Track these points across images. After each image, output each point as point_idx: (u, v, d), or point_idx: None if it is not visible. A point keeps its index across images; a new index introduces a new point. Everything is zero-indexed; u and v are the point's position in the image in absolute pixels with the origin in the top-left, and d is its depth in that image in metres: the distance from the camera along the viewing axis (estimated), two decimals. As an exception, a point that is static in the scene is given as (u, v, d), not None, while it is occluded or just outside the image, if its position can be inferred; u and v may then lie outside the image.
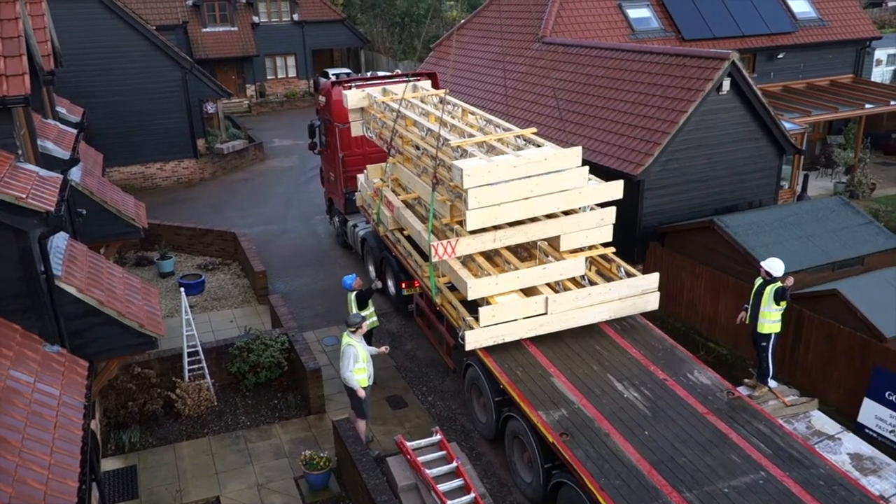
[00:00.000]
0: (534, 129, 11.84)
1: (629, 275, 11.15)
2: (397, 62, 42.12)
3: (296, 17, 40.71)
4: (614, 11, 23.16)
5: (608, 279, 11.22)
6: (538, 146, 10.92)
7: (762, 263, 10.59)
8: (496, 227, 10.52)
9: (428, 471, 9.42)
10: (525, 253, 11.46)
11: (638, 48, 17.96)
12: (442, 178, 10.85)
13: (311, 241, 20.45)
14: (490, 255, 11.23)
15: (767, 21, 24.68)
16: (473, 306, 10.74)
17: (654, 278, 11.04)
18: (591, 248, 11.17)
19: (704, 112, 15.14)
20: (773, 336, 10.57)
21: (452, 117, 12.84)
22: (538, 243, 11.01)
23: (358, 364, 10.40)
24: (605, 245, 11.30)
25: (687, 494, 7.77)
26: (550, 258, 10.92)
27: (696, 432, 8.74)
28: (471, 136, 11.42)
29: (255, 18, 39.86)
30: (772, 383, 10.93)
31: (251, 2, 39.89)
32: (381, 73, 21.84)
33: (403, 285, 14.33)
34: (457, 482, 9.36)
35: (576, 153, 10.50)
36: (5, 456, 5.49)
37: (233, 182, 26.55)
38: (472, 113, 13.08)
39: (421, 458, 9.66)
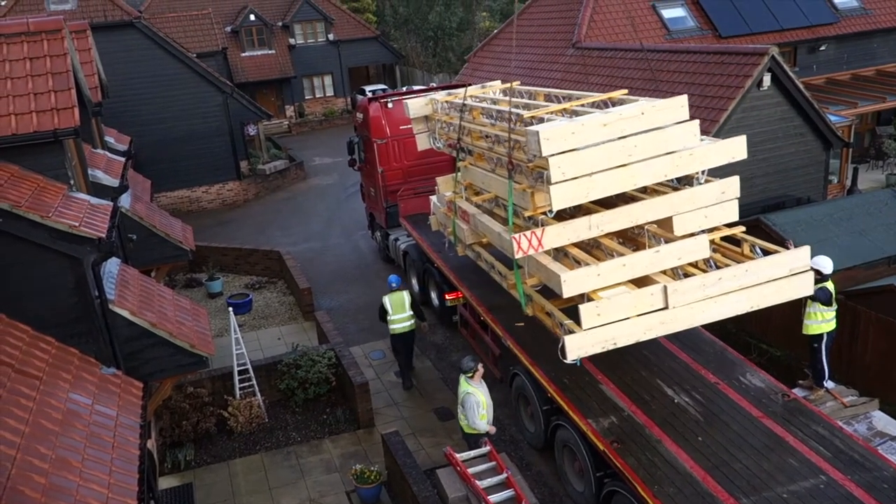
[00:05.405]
0: (625, 91, 9.67)
1: (767, 254, 8.84)
2: (432, 76, 42.40)
3: (331, 36, 41.38)
4: (648, 13, 22.94)
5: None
6: None
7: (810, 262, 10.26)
8: (589, 212, 8.74)
9: (478, 482, 9.37)
10: (632, 245, 9.43)
11: (674, 48, 17.75)
12: (519, 163, 8.95)
13: (353, 256, 20.66)
14: (588, 249, 9.16)
15: (807, 13, 24.16)
16: (572, 313, 8.56)
17: (804, 252, 8.59)
18: (712, 230, 9.07)
19: (746, 109, 14.86)
20: (824, 336, 10.26)
21: (529, 100, 11.17)
22: (646, 228, 8.86)
23: (480, 410, 9.73)
24: (730, 226, 9.13)
25: (744, 501, 7.57)
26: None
27: (752, 437, 8.52)
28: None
29: (292, 40, 40.66)
30: (829, 384, 10.60)
31: (287, 25, 40.70)
32: (416, 88, 21.99)
33: (447, 296, 14.36)
34: (507, 493, 9.28)
35: (681, 102, 8.42)
36: (67, 476, 5.66)
37: (276, 202, 27.02)
38: (548, 95, 11.17)
39: (471, 470, 9.61)
